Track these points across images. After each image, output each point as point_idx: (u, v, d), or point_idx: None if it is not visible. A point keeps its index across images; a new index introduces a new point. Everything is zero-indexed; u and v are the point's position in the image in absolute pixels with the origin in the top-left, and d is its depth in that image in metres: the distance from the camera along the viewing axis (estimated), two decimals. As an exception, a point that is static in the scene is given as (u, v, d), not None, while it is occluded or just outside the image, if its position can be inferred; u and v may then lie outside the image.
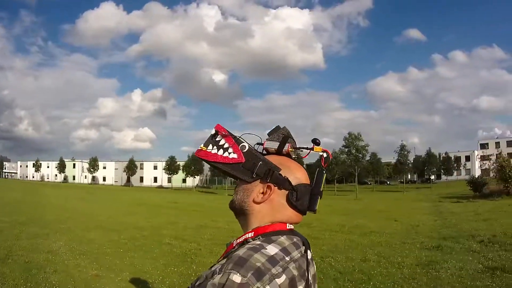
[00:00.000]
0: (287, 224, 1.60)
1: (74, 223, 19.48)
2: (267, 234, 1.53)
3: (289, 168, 1.66)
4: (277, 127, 1.78)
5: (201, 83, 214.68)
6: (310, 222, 20.76)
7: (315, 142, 1.74)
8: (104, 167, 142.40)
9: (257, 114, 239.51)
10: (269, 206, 1.60)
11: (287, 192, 1.60)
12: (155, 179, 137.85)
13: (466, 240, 14.95)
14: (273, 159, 1.68)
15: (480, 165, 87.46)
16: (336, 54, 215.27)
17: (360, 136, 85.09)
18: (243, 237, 1.55)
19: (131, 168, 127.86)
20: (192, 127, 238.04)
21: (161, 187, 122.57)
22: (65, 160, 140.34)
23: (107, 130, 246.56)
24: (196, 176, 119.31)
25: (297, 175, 1.63)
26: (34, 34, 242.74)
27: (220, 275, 1.30)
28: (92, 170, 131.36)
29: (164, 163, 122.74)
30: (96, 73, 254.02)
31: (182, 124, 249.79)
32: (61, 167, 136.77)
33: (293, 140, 1.75)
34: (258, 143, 1.75)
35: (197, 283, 1.36)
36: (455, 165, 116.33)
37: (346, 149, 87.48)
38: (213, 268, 1.36)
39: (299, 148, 1.79)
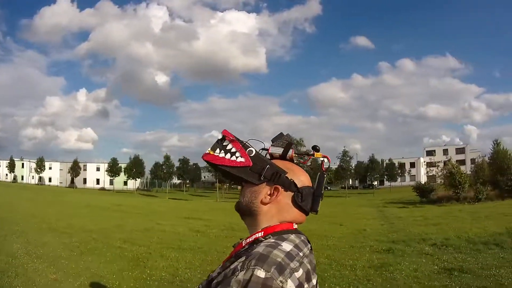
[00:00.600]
0: (293, 223, 1.72)
1: (27, 225, 18.92)
2: (277, 233, 1.63)
3: (294, 172, 1.76)
4: (281, 134, 1.89)
5: (144, 84, 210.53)
6: None
7: (315, 148, 1.86)
8: (50, 168, 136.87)
9: (197, 117, 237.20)
10: (277, 207, 1.70)
11: (293, 194, 1.71)
12: (98, 181, 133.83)
13: (417, 243, 15.16)
14: (278, 163, 1.77)
15: (427, 172, 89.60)
16: (280, 59, 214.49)
17: (302, 141, 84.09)
18: (253, 237, 1.64)
19: (75, 169, 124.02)
20: (134, 128, 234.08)
21: (103, 189, 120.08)
22: (15, 159, 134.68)
23: (52, 130, 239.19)
24: (137, 179, 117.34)
25: (301, 178, 1.75)
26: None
27: (244, 272, 1.38)
28: (39, 170, 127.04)
29: (106, 165, 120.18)
30: (45, 71, 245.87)
31: (123, 125, 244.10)
32: (11, 167, 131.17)
33: (296, 146, 1.87)
34: (263, 149, 1.87)
35: (216, 281, 1.46)
36: (399, 171, 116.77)
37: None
38: (232, 266, 1.44)
39: (302, 153, 1.89)
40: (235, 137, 1.81)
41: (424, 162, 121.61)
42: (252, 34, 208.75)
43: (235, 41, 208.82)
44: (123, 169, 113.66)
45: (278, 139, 1.88)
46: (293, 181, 1.72)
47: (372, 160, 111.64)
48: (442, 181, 55.06)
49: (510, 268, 10.25)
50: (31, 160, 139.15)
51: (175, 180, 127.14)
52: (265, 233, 1.63)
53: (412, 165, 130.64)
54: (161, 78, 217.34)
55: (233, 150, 1.78)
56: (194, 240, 16.56)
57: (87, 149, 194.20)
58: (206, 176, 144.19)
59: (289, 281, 1.42)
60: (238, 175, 1.73)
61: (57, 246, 13.71)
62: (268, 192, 1.70)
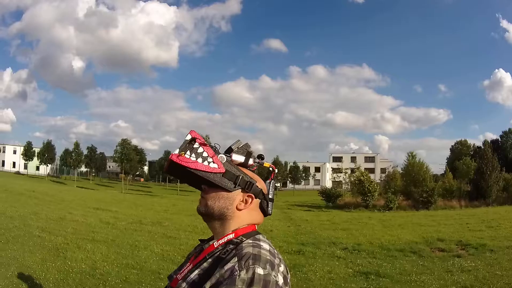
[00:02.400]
0: (256, 225, 1.85)
1: None
2: (247, 234, 1.75)
3: (258, 180, 1.87)
4: (239, 141, 1.92)
5: (60, 68, 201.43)
6: (162, 221, 20.94)
7: (261, 157, 1.96)
8: None
9: (105, 106, 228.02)
10: (247, 212, 1.81)
11: (259, 200, 1.85)
12: (14, 164, 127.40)
13: (328, 246, 15.16)
14: (244, 171, 1.86)
15: (334, 177, 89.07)
16: (191, 54, 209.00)
17: (208, 138, 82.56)
18: (226, 238, 1.74)
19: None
20: (46, 112, 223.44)
21: (18, 173, 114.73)
22: None
23: None
24: (48, 165, 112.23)
25: (262, 186, 1.86)
26: None
27: (245, 271, 1.49)
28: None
29: (22, 148, 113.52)
30: None
31: (38, 109, 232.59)
32: None
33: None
34: (225, 153, 1.88)
35: (211, 284, 1.54)
36: (303, 174, 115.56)
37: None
38: (226, 267, 1.54)
39: (258, 163, 1.96)
40: (205, 140, 1.84)
41: (330, 167, 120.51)
42: (169, 27, 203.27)
43: (150, 33, 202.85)
44: (36, 154, 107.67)
45: (238, 146, 1.91)
46: (261, 190, 1.85)
47: (276, 162, 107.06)
48: (350, 188, 55.50)
49: (432, 275, 10.49)
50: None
51: (83, 168, 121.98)
52: (236, 235, 1.75)
53: (317, 169, 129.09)
54: (77, 64, 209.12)
55: (205, 154, 1.81)
56: (105, 232, 16.28)
57: (5, 130, 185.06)
58: (111, 166, 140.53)
59: (278, 275, 1.57)
60: (211, 181, 1.77)
61: None
62: (241, 199, 1.80)
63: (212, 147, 1.86)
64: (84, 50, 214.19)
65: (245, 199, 1.81)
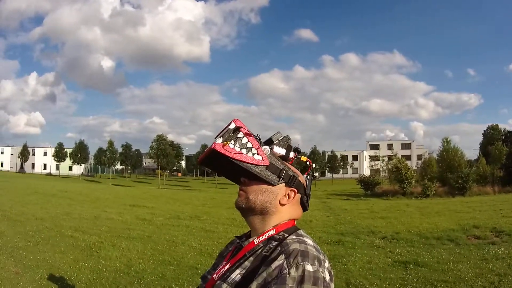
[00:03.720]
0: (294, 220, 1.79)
1: None
2: (288, 230, 1.69)
3: (299, 175, 1.80)
4: (279, 133, 1.85)
5: (89, 69, 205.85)
6: (200, 216, 20.93)
7: (299, 151, 1.88)
8: (2, 152, 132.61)
9: (139, 103, 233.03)
10: (288, 206, 1.75)
11: (301, 195, 1.79)
12: (45, 166, 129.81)
13: (367, 236, 15.12)
14: (286, 165, 1.80)
15: (372, 165, 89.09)
16: (223, 48, 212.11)
17: None
18: (266, 234, 1.68)
19: (24, 154, 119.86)
20: (78, 113, 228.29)
21: (50, 174, 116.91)
22: None
23: (4, 114, 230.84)
24: (82, 164, 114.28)
25: (303, 180, 1.81)
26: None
27: (294, 268, 1.44)
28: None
29: (53, 150, 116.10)
30: (2, 55, 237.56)
31: (69, 110, 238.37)
32: None
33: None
34: (265, 143, 1.81)
35: (258, 283, 1.47)
36: (341, 163, 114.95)
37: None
38: (274, 266, 1.47)
39: (299, 157, 1.91)
40: (249, 130, 1.76)
41: (368, 155, 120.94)
42: (198, 23, 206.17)
43: (179, 29, 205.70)
44: (68, 154, 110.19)
45: (278, 138, 1.84)
46: (303, 184, 1.79)
47: (314, 152, 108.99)
48: (387, 175, 55.43)
49: (468, 264, 10.31)
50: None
51: (118, 166, 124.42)
52: (277, 231, 1.68)
53: (355, 158, 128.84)
54: (107, 63, 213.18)
55: (249, 145, 1.72)
56: (142, 228, 16.21)
57: (35, 134, 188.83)
58: (147, 162, 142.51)
59: (325, 271, 1.52)
60: (254, 174, 1.69)
61: (13, 235, 13.17)
62: (284, 193, 1.74)
63: (256, 137, 1.76)
64: (113, 50, 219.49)
65: (288, 194, 1.75)
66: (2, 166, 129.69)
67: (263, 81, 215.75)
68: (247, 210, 1.75)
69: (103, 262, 10.19)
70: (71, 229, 15.00)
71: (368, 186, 51.75)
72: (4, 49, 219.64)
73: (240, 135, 1.72)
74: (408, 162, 58.86)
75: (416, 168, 62.91)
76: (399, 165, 48.45)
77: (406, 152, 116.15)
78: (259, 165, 1.69)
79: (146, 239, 13.84)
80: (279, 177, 1.71)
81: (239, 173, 1.74)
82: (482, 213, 22.27)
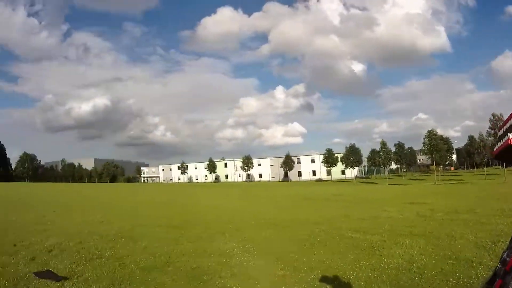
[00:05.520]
0: None
1: (242, 222, 19.21)
2: None
3: None
4: None
5: (340, 75, 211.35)
6: (474, 208, 20.51)
7: None
8: (259, 164, 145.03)
9: (401, 101, 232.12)
10: None
11: None
12: (314, 173, 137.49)
13: None
14: None
15: None
16: (458, 35, 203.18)
17: (502, 117, 74.86)
18: None
19: (288, 163, 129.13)
20: (340, 118, 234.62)
21: (320, 180, 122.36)
22: (214, 160, 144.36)
23: (254, 129, 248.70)
24: (355, 167, 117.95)
25: None
26: (148, 44, 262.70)
27: None
28: (246, 168, 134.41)
29: (321, 156, 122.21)
30: (231, 74, 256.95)
31: (329, 117, 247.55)
32: (211, 167, 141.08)
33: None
34: None
35: None
36: None
37: (493, 131, 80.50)
38: None
39: None
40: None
41: None
42: (426, 14, 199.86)
43: (412, 22, 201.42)
44: (339, 159, 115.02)
45: None
46: None
47: None
48: None
49: None
50: (235, 159, 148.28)
51: (393, 166, 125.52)
52: None
53: None
54: (357, 67, 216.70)
55: None
56: (423, 225, 15.88)
57: (295, 143, 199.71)
58: (421, 159, 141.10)
59: None
60: None
61: (281, 241, 13.72)
62: None
63: None
64: (358, 53, 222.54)
65: None
66: (260, 177, 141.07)
67: (503, 64, 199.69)
68: None
69: (385, 260, 10.23)
70: (351, 230, 15.16)
71: None
72: (231, 69, 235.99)
73: None
74: None
75: None
76: None
77: None
78: None
79: (427, 235, 13.59)
80: None
81: None
82: None
